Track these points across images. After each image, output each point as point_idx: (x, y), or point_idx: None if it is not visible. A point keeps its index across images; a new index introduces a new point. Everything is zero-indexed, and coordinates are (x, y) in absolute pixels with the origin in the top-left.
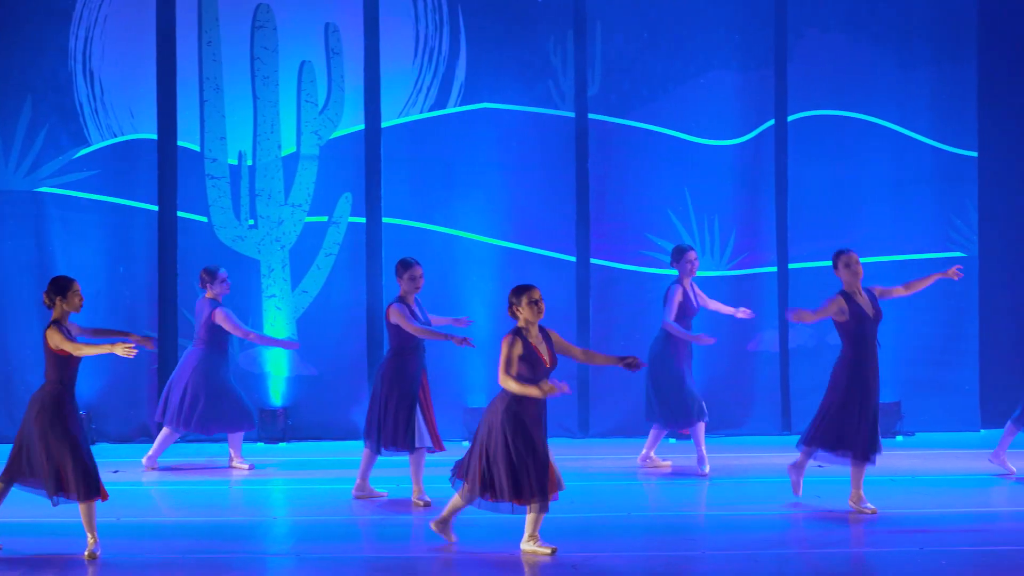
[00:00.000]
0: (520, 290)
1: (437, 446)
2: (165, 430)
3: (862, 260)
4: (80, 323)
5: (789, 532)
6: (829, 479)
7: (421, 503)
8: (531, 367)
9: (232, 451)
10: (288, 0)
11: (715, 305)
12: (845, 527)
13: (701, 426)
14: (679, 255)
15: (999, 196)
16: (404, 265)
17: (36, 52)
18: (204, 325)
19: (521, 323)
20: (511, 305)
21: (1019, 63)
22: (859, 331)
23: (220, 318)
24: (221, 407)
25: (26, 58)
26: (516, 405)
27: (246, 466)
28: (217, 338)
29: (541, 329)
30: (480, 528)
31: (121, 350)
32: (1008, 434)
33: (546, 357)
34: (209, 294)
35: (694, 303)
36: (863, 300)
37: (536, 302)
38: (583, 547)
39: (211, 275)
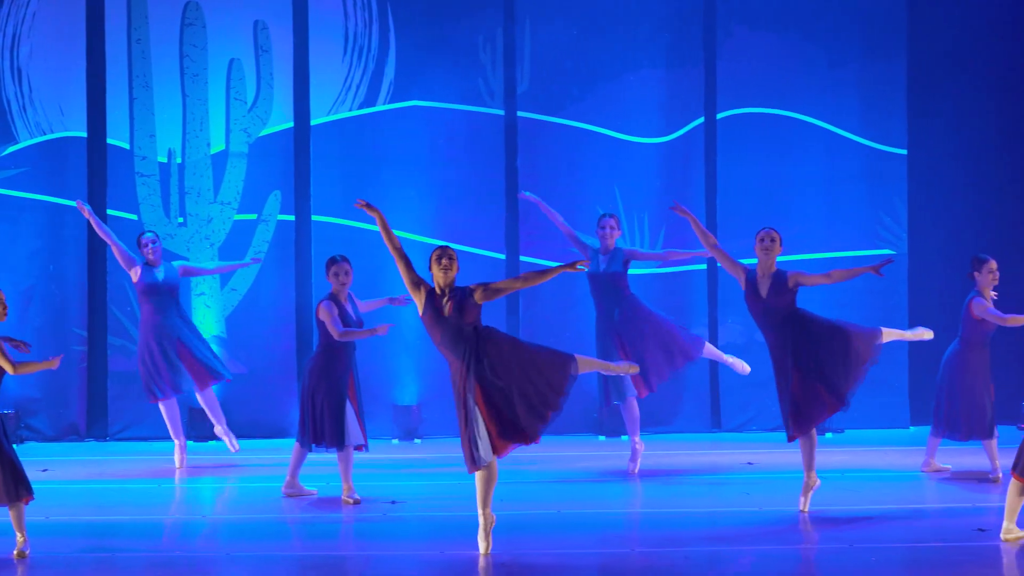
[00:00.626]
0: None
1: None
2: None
3: (789, 258)
4: (4, 325)
5: (720, 529)
6: (760, 476)
7: (351, 501)
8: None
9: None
10: None
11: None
12: (776, 524)
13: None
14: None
15: (928, 194)
16: (331, 262)
17: None
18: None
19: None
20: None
21: (948, 61)
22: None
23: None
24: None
25: None
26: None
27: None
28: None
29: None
30: (410, 526)
31: (55, 364)
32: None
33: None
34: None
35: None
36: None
37: (438, 259)
38: (513, 546)
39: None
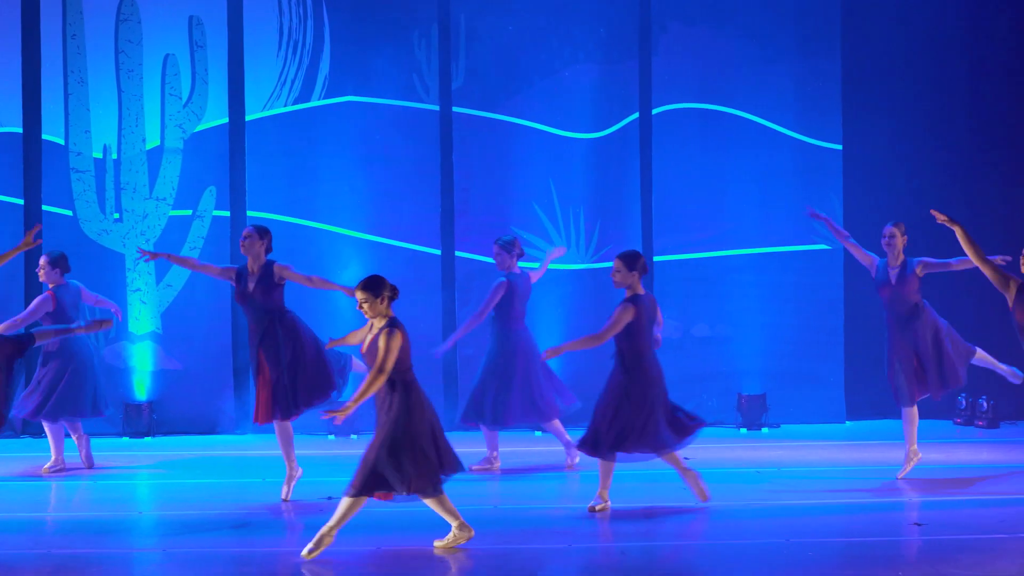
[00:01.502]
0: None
1: None
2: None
3: (725, 253)
4: None
5: (656, 524)
6: (696, 471)
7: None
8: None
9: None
10: None
11: None
12: (713, 519)
13: None
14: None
15: (863, 189)
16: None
17: None
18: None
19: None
20: (387, 297)
21: (883, 56)
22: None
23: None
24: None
25: None
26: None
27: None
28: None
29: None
30: (351, 524)
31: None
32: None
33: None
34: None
35: None
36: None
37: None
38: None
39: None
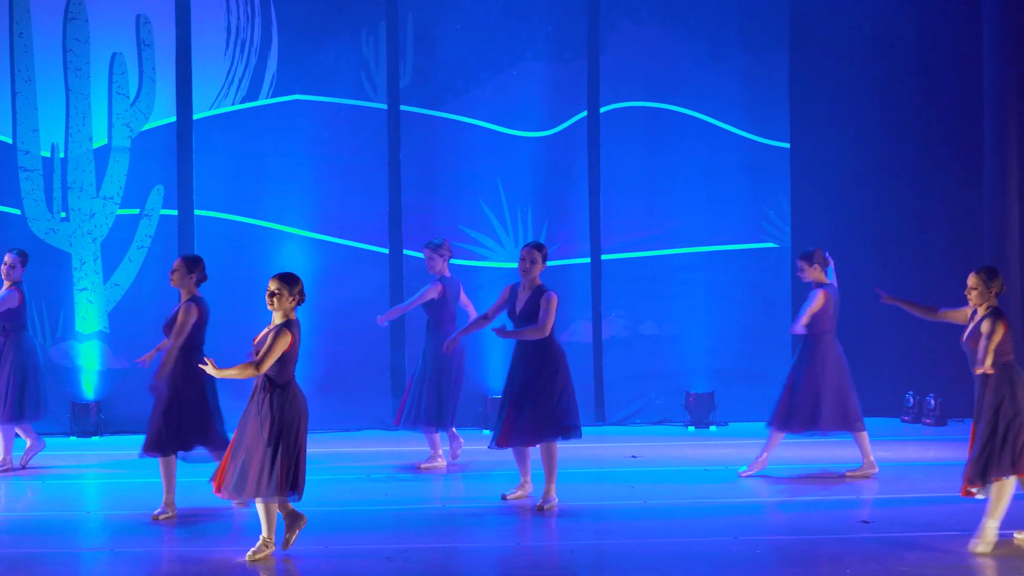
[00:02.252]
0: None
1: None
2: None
3: (673, 251)
4: None
5: (604, 523)
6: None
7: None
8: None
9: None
10: None
11: None
12: (662, 518)
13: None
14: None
15: (811, 187)
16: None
17: None
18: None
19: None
20: (297, 297)
21: (830, 55)
22: None
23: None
24: None
25: None
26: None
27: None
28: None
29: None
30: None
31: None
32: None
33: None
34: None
35: None
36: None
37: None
38: (401, 539)
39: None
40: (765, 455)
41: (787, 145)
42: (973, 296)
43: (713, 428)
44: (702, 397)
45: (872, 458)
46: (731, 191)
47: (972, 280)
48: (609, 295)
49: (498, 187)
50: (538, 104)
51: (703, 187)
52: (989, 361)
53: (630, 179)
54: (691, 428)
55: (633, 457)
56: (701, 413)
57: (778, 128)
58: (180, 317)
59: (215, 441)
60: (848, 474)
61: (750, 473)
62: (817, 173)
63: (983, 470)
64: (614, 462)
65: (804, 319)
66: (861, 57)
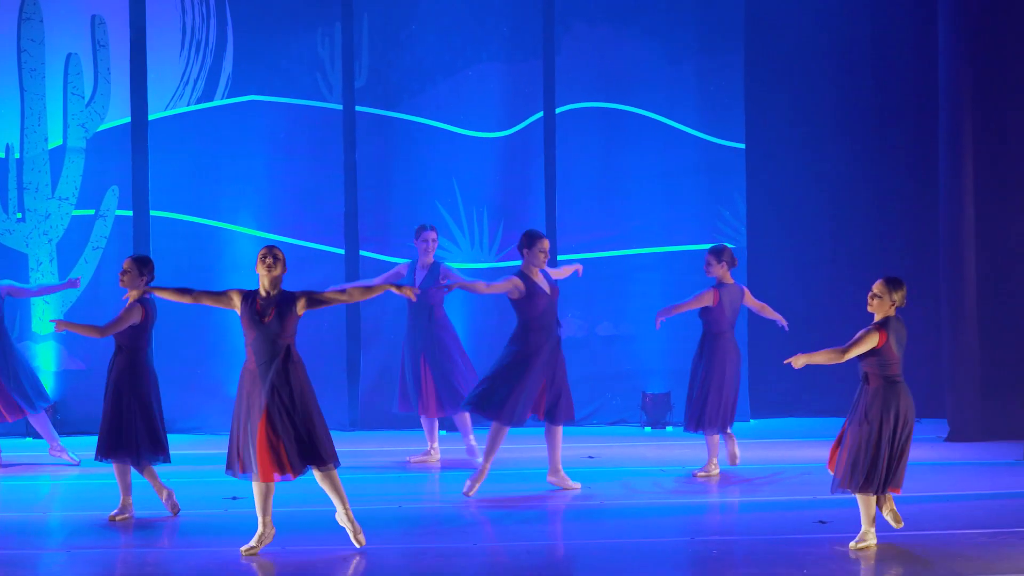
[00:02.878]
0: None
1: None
2: None
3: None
4: None
5: (562, 524)
6: (601, 470)
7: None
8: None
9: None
10: None
11: None
12: (618, 518)
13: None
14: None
15: (766, 188)
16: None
17: None
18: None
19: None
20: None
21: (785, 55)
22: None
23: None
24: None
25: None
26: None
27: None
28: None
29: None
30: (251, 521)
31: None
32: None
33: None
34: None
35: None
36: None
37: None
38: (348, 542)
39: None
40: (712, 458)
41: (742, 145)
42: (874, 304)
43: (669, 428)
44: (658, 397)
45: (716, 460)
46: (687, 191)
47: (877, 287)
48: (564, 296)
49: (454, 188)
50: (494, 105)
51: (659, 187)
52: (819, 359)
53: (586, 180)
54: (648, 429)
55: (590, 458)
56: (658, 413)
57: (733, 128)
58: (121, 313)
59: (160, 446)
60: (697, 474)
61: (703, 475)
62: (772, 173)
63: (850, 478)
64: (571, 462)
65: (674, 310)
66: (816, 57)
